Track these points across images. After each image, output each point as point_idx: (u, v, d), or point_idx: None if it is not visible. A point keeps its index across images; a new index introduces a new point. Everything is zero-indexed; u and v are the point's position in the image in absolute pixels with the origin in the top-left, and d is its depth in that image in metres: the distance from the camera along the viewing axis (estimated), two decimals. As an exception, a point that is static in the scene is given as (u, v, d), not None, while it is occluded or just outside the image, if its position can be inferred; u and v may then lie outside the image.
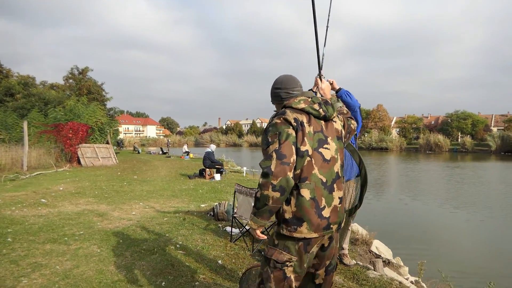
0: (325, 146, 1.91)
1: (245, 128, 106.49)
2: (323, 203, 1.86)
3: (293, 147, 1.81)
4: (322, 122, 1.95)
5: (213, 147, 13.56)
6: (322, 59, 2.71)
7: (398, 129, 72.53)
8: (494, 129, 61.13)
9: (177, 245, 4.50)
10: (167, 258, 4.03)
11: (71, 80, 32.25)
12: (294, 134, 1.83)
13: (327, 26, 2.96)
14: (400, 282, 3.48)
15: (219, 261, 3.94)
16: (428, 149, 55.95)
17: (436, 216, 10.60)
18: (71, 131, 16.30)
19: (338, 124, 2.03)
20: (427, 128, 67.03)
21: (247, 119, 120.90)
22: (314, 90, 2.45)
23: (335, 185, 1.91)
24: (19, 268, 3.66)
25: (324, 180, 1.87)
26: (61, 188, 9.51)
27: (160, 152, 33.44)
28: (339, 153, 1.97)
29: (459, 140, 60.15)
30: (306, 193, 1.83)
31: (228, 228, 5.12)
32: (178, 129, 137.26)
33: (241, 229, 4.78)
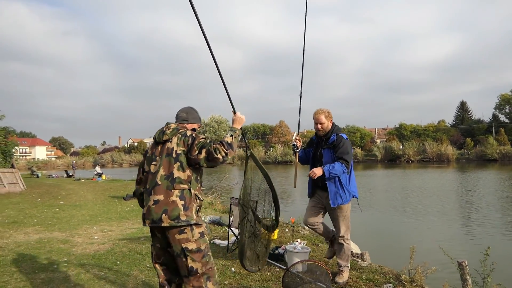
0: (153, 163, 2.59)
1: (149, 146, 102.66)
2: (145, 203, 2.56)
3: (140, 169, 2.73)
4: (159, 145, 2.63)
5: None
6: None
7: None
8: (378, 141, 70.47)
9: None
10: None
11: None
12: (143, 158, 2.74)
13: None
14: (385, 267, 4.36)
15: (233, 269, 4.32)
16: (326, 161, 61.70)
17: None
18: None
19: (173, 144, 2.57)
20: (324, 142, 73.90)
21: (150, 137, 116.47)
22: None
23: (153, 191, 2.51)
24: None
25: (148, 187, 2.56)
26: (-17, 220, 8.42)
27: (65, 175, 30.47)
28: (163, 166, 2.54)
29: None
30: (144, 196, 2.62)
31: (217, 241, 5.48)
32: (73, 149, 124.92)
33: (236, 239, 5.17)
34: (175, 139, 2.57)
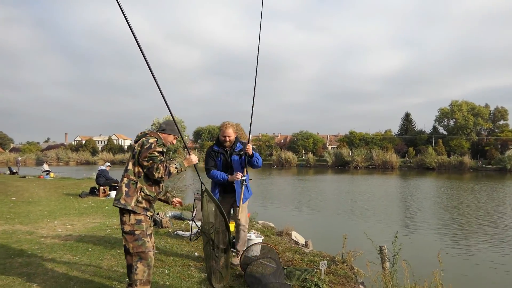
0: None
1: (99, 145, 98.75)
2: None
3: None
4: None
5: (107, 164, 13.41)
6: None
7: (254, 147, 79.43)
8: (329, 147, 73.70)
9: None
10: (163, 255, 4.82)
11: None
12: None
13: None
14: (324, 252, 5.22)
15: (196, 253, 4.96)
16: (280, 165, 63.46)
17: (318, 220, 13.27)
18: None
19: (137, 145, 3.15)
20: (278, 146, 75.81)
21: (100, 135, 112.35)
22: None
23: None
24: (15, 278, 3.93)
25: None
26: None
27: (8, 172, 28.88)
28: (127, 161, 3.18)
29: (304, 156, 70.09)
30: None
31: (180, 232, 6.08)
32: (12, 145, 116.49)
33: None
34: (140, 141, 3.14)
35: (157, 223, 6.64)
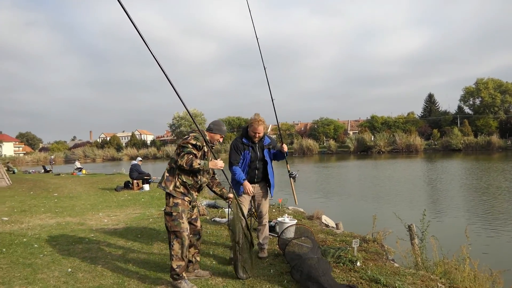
0: None
1: (123, 141, 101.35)
2: None
3: None
4: None
5: (139, 159, 14.06)
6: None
7: (274, 136, 79.74)
8: (351, 133, 73.03)
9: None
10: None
11: None
12: None
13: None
14: (355, 233, 5.53)
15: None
16: (301, 153, 63.51)
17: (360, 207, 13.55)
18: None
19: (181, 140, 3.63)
20: (299, 134, 75.69)
21: (123, 131, 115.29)
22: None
23: None
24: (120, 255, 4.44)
25: None
26: (-11, 210, 9.03)
27: (42, 171, 30.34)
28: (174, 153, 3.59)
29: (325, 143, 69.79)
30: None
31: (217, 219, 6.53)
32: (41, 145, 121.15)
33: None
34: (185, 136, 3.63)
35: (217, 207, 7.12)
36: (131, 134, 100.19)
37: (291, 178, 4.59)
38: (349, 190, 17.48)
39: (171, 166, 3.57)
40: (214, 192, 3.93)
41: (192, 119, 3.66)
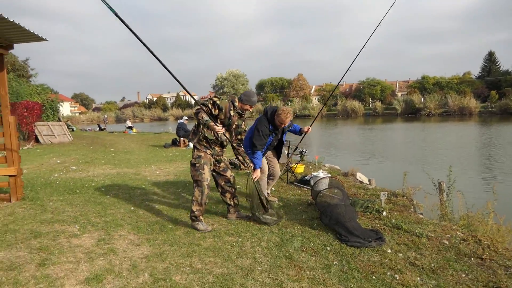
0: None
1: (169, 102, 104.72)
2: None
3: None
4: None
5: (185, 118, 14.90)
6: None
7: (318, 97, 78.37)
8: (399, 94, 69.98)
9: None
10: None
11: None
12: None
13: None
14: (386, 188, 5.83)
15: (272, 188, 5.90)
16: (345, 115, 62.30)
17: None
18: (25, 110, 16.08)
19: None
20: (343, 95, 73.77)
21: (169, 92, 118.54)
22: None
23: None
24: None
25: None
26: (58, 161, 10.29)
27: (97, 129, 32.79)
28: None
29: (371, 105, 67.69)
30: None
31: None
32: (94, 105, 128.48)
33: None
34: None
35: (236, 166, 7.70)
36: (176, 95, 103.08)
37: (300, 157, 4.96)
38: (391, 152, 17.34)
39: (198, 123, 4.04)
40: (233, 147, 4.32)
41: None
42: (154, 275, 2.95)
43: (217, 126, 3.86)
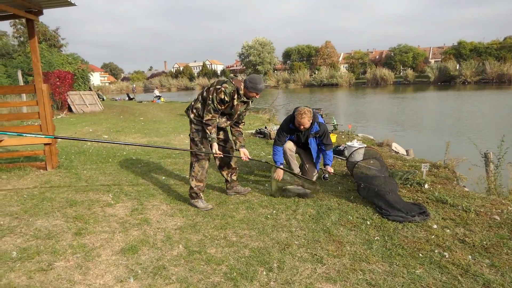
0: None
1: (195, 71, 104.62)
2: None
3: None
4: None
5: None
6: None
7: (346, 65, 75.83)
8: (432, 61, 66.59)
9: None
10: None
11: (19, 26, 29.95)
12: None
13: None
14: (426, 160, 5.51)
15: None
16: (374, 83, 60.18)
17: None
18: (58, 79, 16.39)
19: (215, 83, 3.72)
20: (372, 63, 70.98)
21: (195, 61, 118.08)
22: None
23: None
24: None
25: None
26: (91, 130, 10.47)
27: (127, 98, 33.29)
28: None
29: (402, 73, 64.93)
30: None
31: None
32: (123, 75, 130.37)
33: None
34: (220, 81, 3.67)
35: (266, 135, 7.53)
36: (202, 64, 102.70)
37: (323, 178, 4.48)
38: (424, 121, 16.61)
39: (198, 99, 3.74)
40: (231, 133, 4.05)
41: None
42: (188, 247, 2.88)
43: (213, 148, 3.65)
